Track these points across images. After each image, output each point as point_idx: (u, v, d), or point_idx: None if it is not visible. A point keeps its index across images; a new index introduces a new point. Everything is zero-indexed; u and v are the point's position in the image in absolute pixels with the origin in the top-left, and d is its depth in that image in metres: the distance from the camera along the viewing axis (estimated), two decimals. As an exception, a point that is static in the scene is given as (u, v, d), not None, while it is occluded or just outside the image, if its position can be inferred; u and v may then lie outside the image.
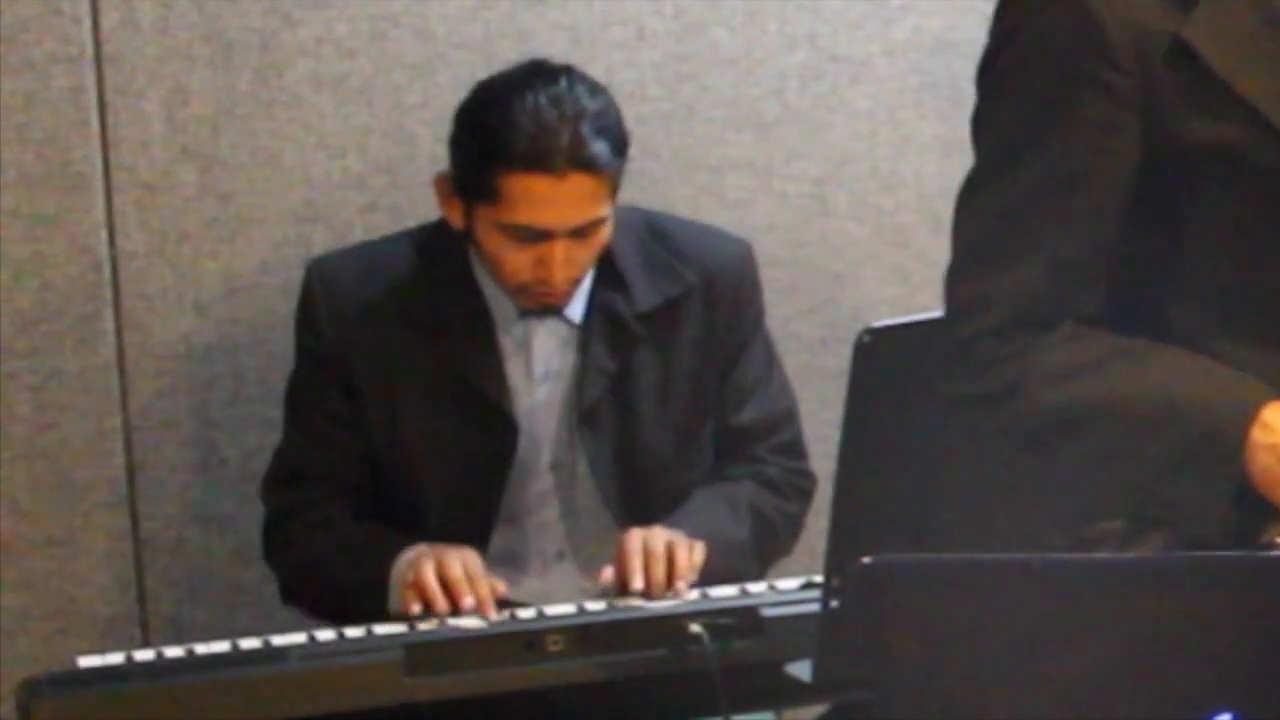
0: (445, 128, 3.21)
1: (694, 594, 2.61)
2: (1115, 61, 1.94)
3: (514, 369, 2.83)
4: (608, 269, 2.83)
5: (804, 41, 3.38)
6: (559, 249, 2.70)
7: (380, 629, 2.49)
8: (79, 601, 3.14)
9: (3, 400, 3.07)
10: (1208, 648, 1.64)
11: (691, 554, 2.65)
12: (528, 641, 2.44)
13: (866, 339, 2.17)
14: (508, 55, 3.22)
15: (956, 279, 2.04)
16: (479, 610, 2.55)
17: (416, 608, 2.58)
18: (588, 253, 2.76)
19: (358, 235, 3.17)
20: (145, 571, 3.17)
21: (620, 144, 2.75)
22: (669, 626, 2.46)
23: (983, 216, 2.03)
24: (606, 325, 2.83)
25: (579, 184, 2.69)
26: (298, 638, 2.46)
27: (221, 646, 2.44)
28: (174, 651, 2.43)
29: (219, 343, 3.16)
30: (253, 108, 3.14)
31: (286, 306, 3.17)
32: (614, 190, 2.75)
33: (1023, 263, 1.98)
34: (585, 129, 2.69)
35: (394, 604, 2.67)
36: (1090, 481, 2.02)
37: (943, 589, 1.70)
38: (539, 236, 2.70)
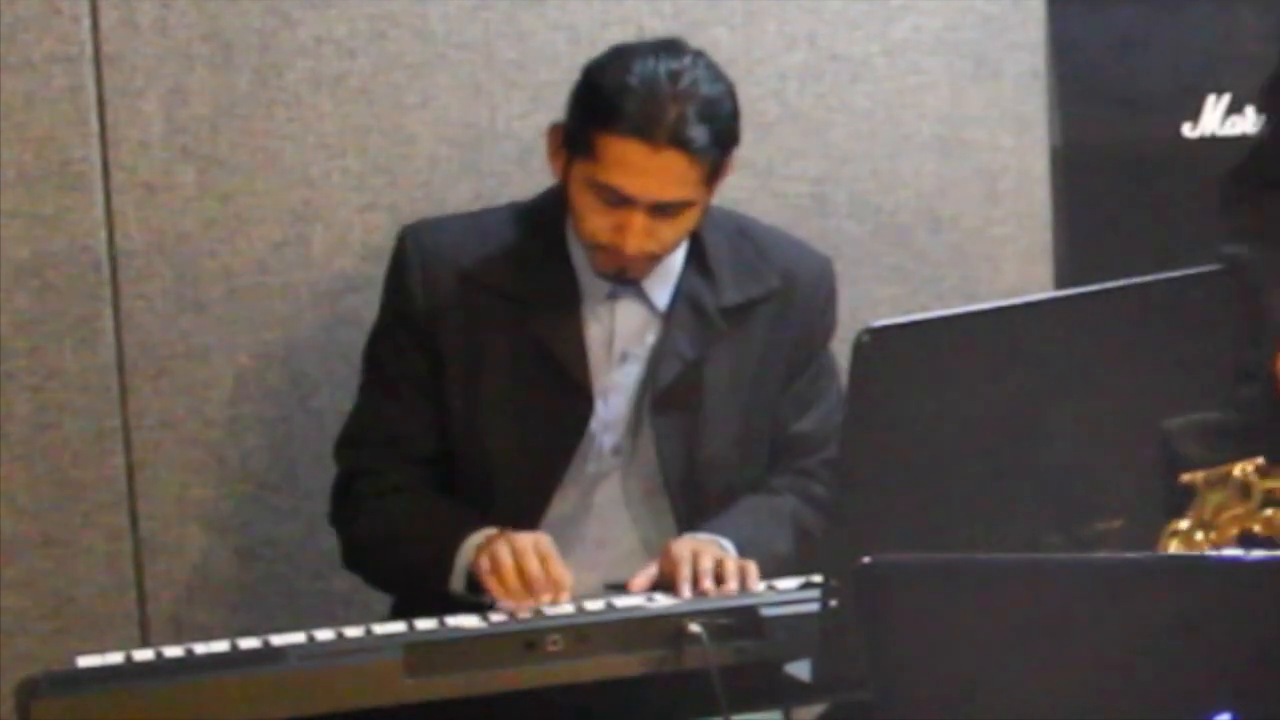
0: (445, 127, 3.22)
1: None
2: None
3: (595, 346, 2.85)
4: (697, 260, 2.88)
5: (804, 41, 3.38)
6: (638, 219, 2.73)
7: (379, 629, 2.49)
8: (78, 601, 3.14)
9: (3, 400, 3.07)
10: (1208, 648, 1.64)
11: (745, 572, 2.66)
12: (527, 641, 2.44)
13: (866, 339, 2.17)
14: (508, 55, 3.23)
15: None
16: (554, 596, 2.58)
17: (499, 593, 2.61)
18: (670, 232, 2.78)
19: (357, 235, 3.18)
20: (145, 571, 3.17)
21: (725, 136, 2.77)
22: (668, 626, 2.45)
23: None
24: (690, 312, 2.86)
25: (673, 161, 2.71)
26: (297, 638, 2.46)
27: (221, 646, 2.44)
28: (173, 651, 2.43)
29: (219, 343, 3.16)
30: (252, 108, 3.14)
31: (286, 306, 3.17)
32: (710, 179, 2.77)
33: None
34: (692, 110, 2.71)
35: (456, 584, 2.70)
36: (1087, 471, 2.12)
37: (943, 589, 1.70)
38: (622, 201, 2.73)
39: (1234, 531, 2.06)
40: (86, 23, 3.05)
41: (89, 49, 3.06)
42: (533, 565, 2.61)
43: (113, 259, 3.10)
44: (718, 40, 3.31)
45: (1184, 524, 2.06)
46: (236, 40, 3.12)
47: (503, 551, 2.63)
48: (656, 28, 3.27)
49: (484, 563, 2.64)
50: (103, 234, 3.09)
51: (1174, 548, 2.06)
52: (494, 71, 3.23)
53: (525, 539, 2.67)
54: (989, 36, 3.48)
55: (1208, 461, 2.10)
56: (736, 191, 3.30)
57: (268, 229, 3.17)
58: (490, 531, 2.71)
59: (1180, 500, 2.08)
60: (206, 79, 3.12)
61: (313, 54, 3.16)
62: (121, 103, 3.09)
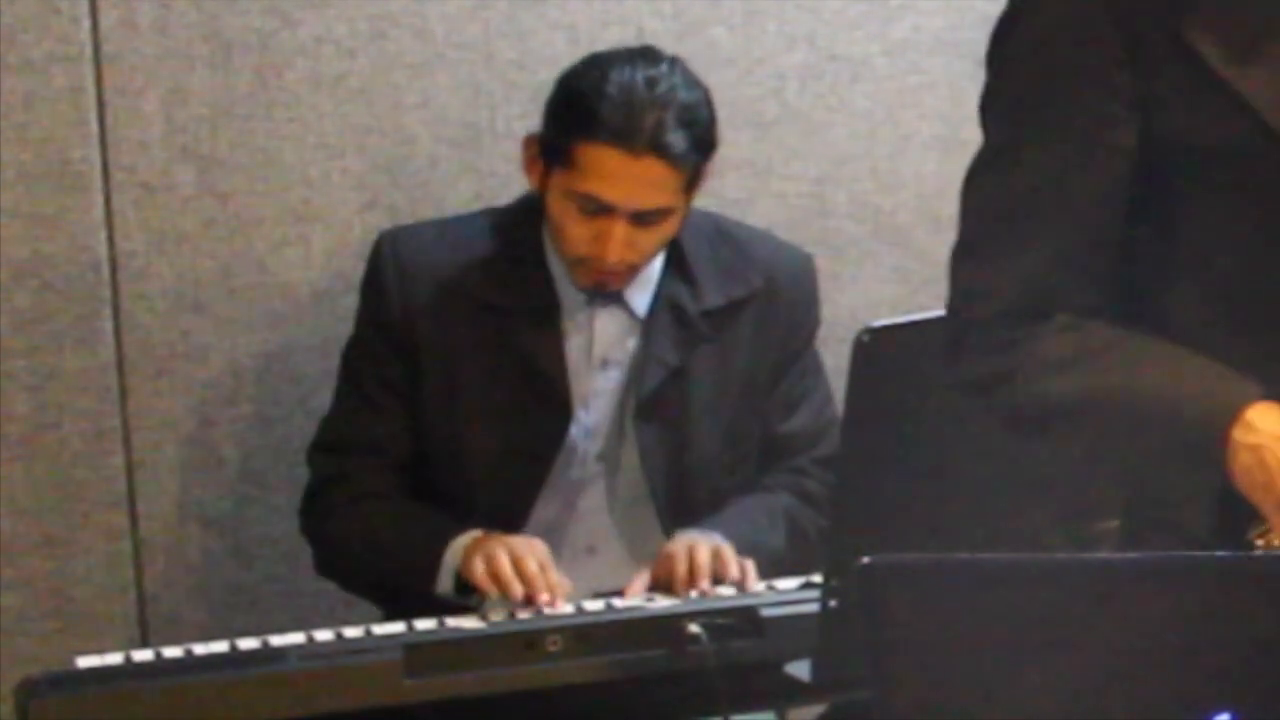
0: (444, 127, 3.21)
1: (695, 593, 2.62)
2: (1116, 57, 1.94)
3: (575, 354, 2.85)
4: (677, 264, 2.87)
5: (803, 41, 3.38)
6: (619, 228, 2.73)
7: (379, 629, 2.49)
8: (78, 601, 3.13)
9: (3, 400, 3.07)
10: (1208, 648, 1.64)
11: (743, 571, 2.66)
12: (527, 641, 2.44)
13: (866, 339, 2.17)
14: (507, 55, 3.23)
15: (959, 263, 2.04)
16: (551, 601, 2.57)
17: (495, 592, 2.60)
18: (649, 241, 2.78)
19: (356, 235, 3.17)
20: (144, 571, 3.16)
21: (703, 143, 2.77)
22: (668, 626, 2.46)
23: (987, 202, 2.03)
24: (671, 318, 2.86)
25: (652, 168, 2.71)
26: (297, 638, 2.46)
27: (220, 646, 2.44)
28: (173, 651, 2.43)
29: (218, 343, 3.16)
30: (251, 108, 3.14)
31: (286, 306, 3.17)
32: (688, 186, 2.77)
33: (1023, 252, 1.98)
34: (670, 116, 2.71)
35: (443, 587, 2.70)
36: (1085, 471, 2.02)
37: (943, 589, 1.70)
38: (602, 210, 2.73)
39: None
40: (86, 23, 3.05)
41: (89, 49, 3.06)
42: (531, 566, 2.60)
43: (112, 259, 3.10)
44: (718, 40, 3.32)
45: None
46: (236, 40, 3.12)
47: (499, 551, 2.63)
48: (656, 28, 3.27)
49: (478, 563, 2.63)
50: (103, 234, 3.09)
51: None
52: (494, 71, 3.23)
53: (521, 540, 2.67)
54: (989, 36, 3.47)
55: None
56: (736, 192, 3.31)
57: (267, 229, 3.16)
58: (476, 533, 2.71)
59: None
60: (206, 79, 3.11)
61: (313, 54, 3.16)
62: (121, 103, 3.09)
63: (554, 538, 2.85)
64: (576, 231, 2.75)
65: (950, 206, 3.47)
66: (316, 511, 2.90)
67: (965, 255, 2.03)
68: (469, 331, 2.83)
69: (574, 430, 2.85)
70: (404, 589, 2.72)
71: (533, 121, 3.11)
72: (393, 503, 2.84)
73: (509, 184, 3.18)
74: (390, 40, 3.18)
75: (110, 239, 3.10)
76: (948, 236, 3.63)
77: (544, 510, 2.85)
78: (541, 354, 2.82)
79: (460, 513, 2.81)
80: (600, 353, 2.86)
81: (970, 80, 3.48)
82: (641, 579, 2.68)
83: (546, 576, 2.60)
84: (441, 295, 2.84)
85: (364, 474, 2.85)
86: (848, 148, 3.42)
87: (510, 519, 2.79)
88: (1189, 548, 1.91)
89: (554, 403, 2.83)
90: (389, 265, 2.87)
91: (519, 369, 2.83)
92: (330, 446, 2.90)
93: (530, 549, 2.64)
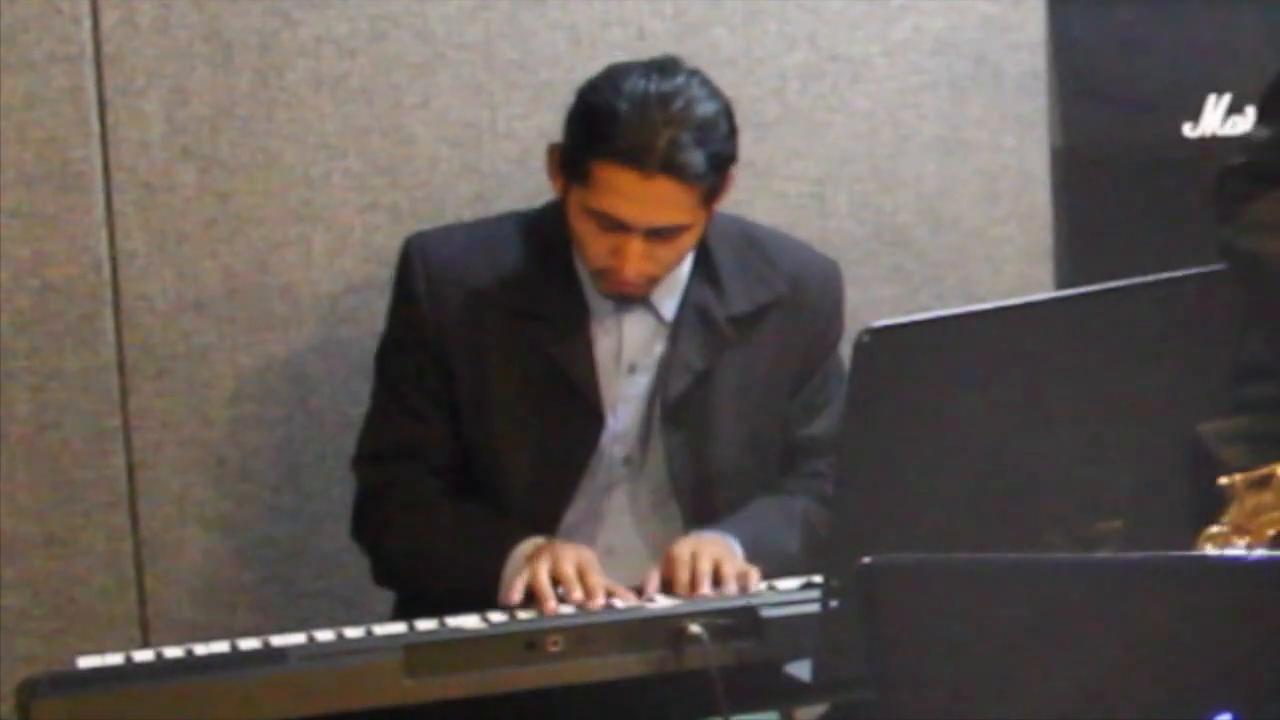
0: (445, 128, 3.22)
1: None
2: None
3: (604, 359, 2.85)
4: (704, 269, 2.87)
5: (804, 41, 3.38)
6: (635, 244, 2.72)
7: (379, 629, 2.49)
8: (79, 601, 3.14)
9: (3, 400, 3.07)
10: (1208, 648, 1.64)
11: (744, 579, 2.65)
12: (528, 641, 2.44)
13: (866, 339, 2.17)
14: (508, 55, 3.23)
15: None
16: (588, 600, 2.56)
17: (518, 596, 2.59)
18: (668, 254, 2.78)
19: (357, 235, 3.18)
20: (145, 571, 3.17)
21: (720, 159, 2.74)
22: (669, 626, 2.46)
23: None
24: (698, 322, 2.86)
25: (665, 188, 2.69)
26: (298, 638, 2.46)
27: (221, 647, 2.44)
28: (174, 652, 2.43)
29: (219, 343, 3.16)
30: (252, 108, 3.14)
31: (286, 306, 3.17)
32: (706, 201, 2.76)
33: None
34: (685, 135, 2.69)
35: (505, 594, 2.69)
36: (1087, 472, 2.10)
37: (943, 589, 1.70)
38: (617, 227, 2.72)
39: (1271, 533, 2.03)
40: (87, 23, 3.05)
41: (89, 49, 3.06)
42: (568, 569, 2.58)
43: (113, 259, 3.10)
44: (718, 40, 3.32)
45: (1219, 528, 2.04)
46: (237, 40, 3.12)
47: (541, 560, 2.62)
48: (657, 29, 3.27)
49: (523, 570, 2.62)
50: (103, 234, 3.10)
51: (1210, 552, 2.04)
52: (494, 71, 3.23)
53: (567, 547, 2.66)
54: (989, 36, 3.48)
55: (1247, 465, 2.07)
56: (737, 192, 3.29)
57: (268, 229, 3.17)
58: (539, 540, 2.71)
59: (1211, 504, 2.05)
60: (207, 79, 3.12)
61: (313, 54, 3.16)
62: (121, 103, 3.09)
63: (578, 539, 2.83)
64: (595, 245, 2.75)
65: (950, 206, 3.50)
66: (370, 523, 2.89)
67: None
68: (499, 337, 2.83)
69: (603, 435, 2.85)
70: (468, 596, 2.69)
71: (533, 121, 3.12)
72: (448, 509, 2.83)
73: (509, 184, 3.19)
74: (391, 40, 3.19)
75: (111, 239, 3.10)
76: (948, 237, 3.65)
77: (570, 513, 2.85)
78: (572, 360, 2.82)
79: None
80: (628, 357, 2.86)
81: (970, 80, 3.50)
82: (656, 576, 2.68)
83: (585, 579, 2.59)
84: (471, 300, 2.84)
85: (413, 481, 2.84)
86: (848, 148, 3.42)
87: (542, 524, 2.78)
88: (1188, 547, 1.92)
89: (586, 409, 2.83)
90: (418, 270, 2.86)
91: (550, 375, 2.82)
92: (376, 456, 2.89)
93: (573, 554, 2.62)
